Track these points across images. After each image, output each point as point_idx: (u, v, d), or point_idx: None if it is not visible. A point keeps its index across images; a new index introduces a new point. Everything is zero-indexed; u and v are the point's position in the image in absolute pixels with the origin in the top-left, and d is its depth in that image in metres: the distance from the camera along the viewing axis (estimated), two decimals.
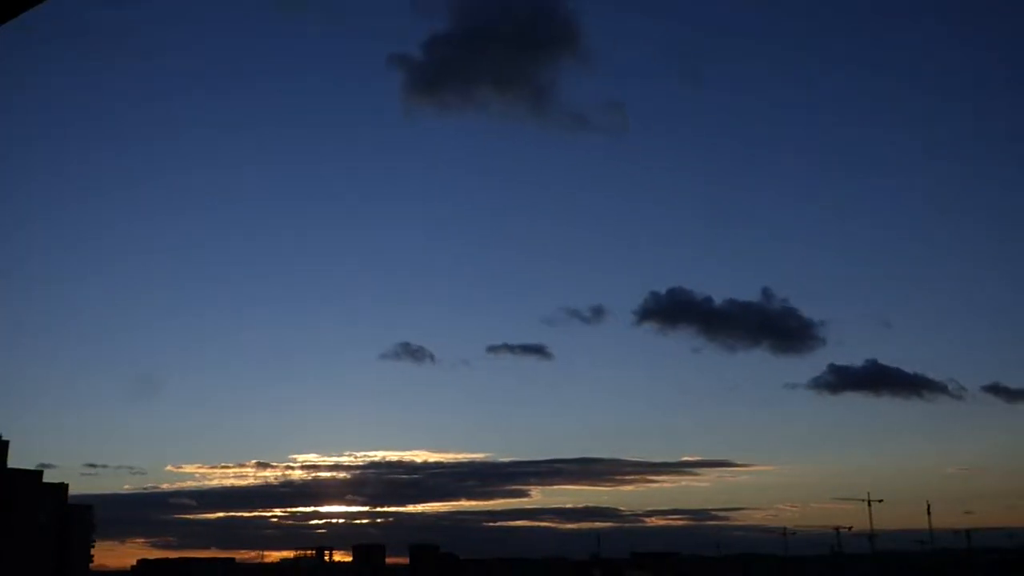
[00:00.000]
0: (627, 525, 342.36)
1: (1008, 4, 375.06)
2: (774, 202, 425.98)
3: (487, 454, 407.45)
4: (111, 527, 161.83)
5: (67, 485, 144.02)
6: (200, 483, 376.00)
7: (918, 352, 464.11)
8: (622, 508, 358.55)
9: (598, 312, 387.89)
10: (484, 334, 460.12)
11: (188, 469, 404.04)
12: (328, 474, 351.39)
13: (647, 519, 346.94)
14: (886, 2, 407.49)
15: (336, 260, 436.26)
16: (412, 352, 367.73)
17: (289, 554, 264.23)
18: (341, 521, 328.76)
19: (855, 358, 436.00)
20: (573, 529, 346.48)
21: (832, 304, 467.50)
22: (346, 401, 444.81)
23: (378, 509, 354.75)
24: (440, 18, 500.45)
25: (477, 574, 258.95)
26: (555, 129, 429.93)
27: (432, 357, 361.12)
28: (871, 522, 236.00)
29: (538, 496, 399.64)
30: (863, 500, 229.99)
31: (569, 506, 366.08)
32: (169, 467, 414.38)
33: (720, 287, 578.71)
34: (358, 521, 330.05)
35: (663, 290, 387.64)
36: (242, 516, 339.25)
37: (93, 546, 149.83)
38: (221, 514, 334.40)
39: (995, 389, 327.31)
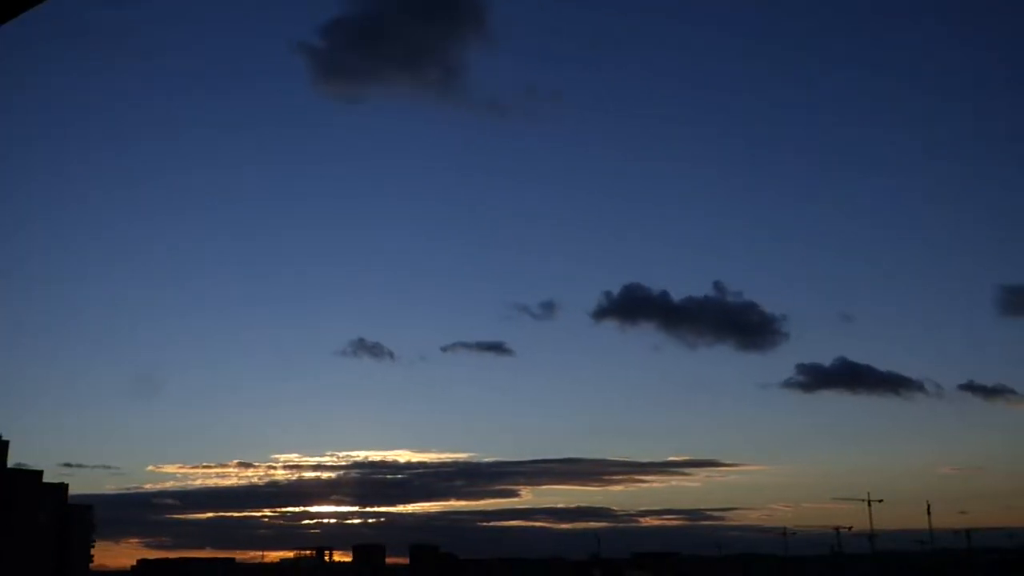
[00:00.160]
0: (621, 525, 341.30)
1: (1008, 4, 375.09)
2: (774, 201, 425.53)
3: (471, 454, 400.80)
4: (105, 527, 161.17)
5: (67, 485, 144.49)
6: (183, 483, 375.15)
7: (885, 349, 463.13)
8: (615, 508, 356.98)
9: (548, 307, 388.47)
10: (439, 331, 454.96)
11: (169, 469, 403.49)
12: (312, 474, 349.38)
13: (641, 519, 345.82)
14: (886, 2, 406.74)
15: (289, 259, 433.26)
16: (369, 348, 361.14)
17: (289, 554, 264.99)
18: (333, 521, 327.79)
19: (822, 355, 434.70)
20: (567, 529, 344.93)
21: (791, 298, 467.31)
22: (316, 400, 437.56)
23: (368, 509, 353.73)
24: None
25: (477, 574, 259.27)
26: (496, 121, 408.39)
27: (391, 354, 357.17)
28: (871, 522, 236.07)
29: (529, 496, 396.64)
30: (862, 500, 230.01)
31: (561, 506, 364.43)
32: (151, 467, 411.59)
33: (675, 282, 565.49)
34: (350, 521, 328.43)
35: (617, 288, 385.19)
36: (233, 516, 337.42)
37: (93, 546, 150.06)
38: (211, 514, 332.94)
39: (971, 387, 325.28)
